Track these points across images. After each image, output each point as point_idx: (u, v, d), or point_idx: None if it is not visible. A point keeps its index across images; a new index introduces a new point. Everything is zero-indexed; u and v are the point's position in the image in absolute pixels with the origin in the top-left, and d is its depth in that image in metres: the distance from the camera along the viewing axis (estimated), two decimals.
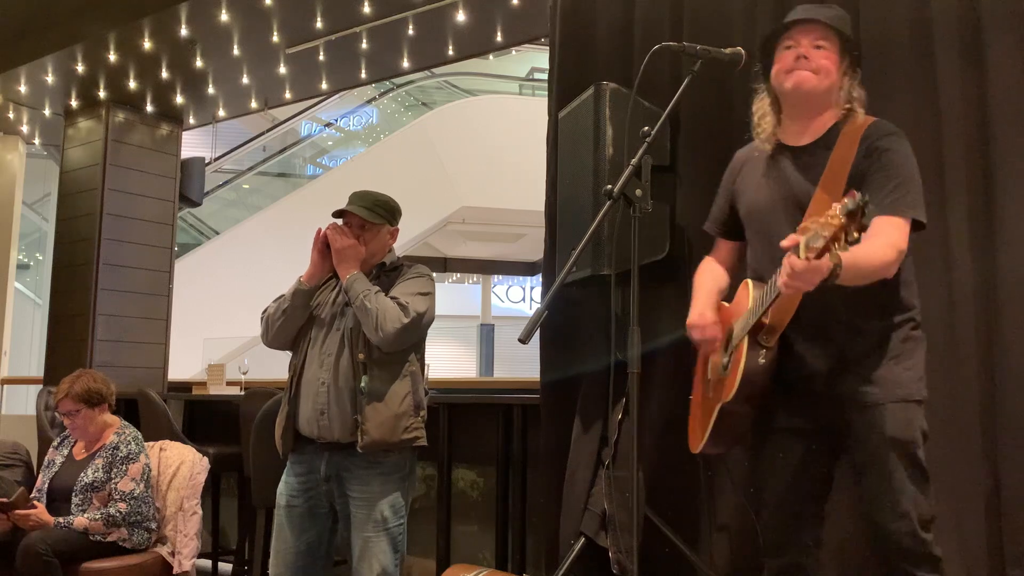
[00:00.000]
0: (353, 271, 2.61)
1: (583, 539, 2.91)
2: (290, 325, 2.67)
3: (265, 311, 2.73)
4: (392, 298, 2.57)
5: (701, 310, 2.17)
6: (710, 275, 2.30)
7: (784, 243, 1.79)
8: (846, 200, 1.57)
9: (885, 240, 1.88)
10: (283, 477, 2.70)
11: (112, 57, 5.27)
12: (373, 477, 2.58)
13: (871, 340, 1.98)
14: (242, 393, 4.81)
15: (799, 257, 1.69)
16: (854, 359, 1.97)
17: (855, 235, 1.60)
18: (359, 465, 2.57)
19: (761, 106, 2.18)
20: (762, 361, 1.95)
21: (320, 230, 2.68)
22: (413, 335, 2.60)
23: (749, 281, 2.08)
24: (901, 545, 1.91)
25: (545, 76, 4.07)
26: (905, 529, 1.90)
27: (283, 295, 2.70)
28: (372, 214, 2.67)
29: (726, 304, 2.22)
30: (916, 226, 1.96)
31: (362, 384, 2.52)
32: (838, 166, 1.98)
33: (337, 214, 2.71)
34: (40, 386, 5.70)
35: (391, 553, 2.58)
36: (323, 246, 2.66)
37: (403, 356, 2.61)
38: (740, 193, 2.22)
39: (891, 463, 1.92)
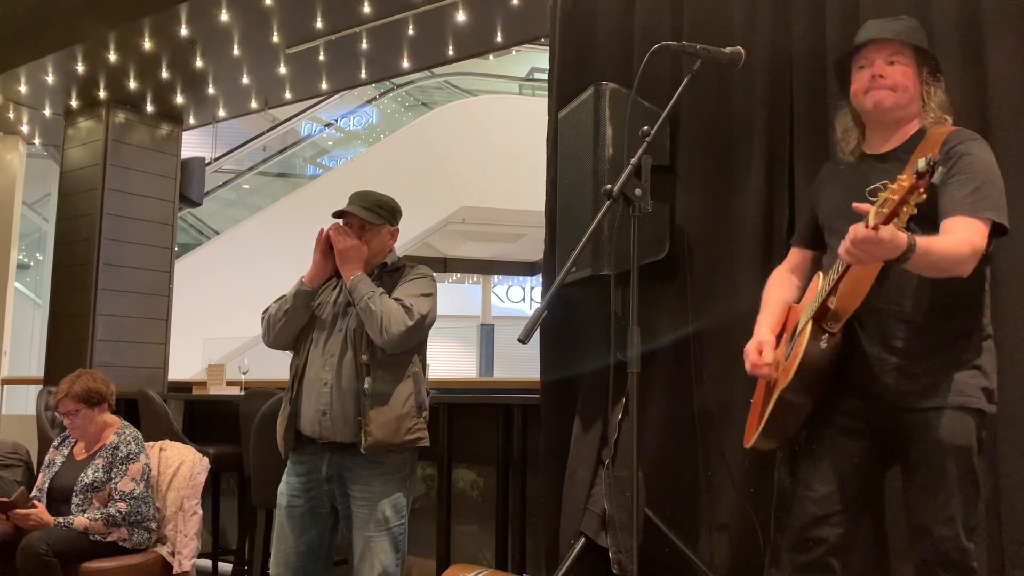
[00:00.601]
0: (356, 272, 2.61)
1: (583, 539, 2.91)
2: (292, 325, 2.67)
3: (266, 311, 2.73)
4: (396, 299, 2.57)
5: (761, 338, 2.13)
6: (779, 288, 2.26)
7: (856, 204, 1.77)
8: (919, 161, 1.58)
9: (961, 236, 1.86)
10: (284, 477, 2.70)
11: (112, 57, 5.27)
12: (375, 477, 2.58)
13: (934, 341, 1.95)
14: (242, 393, 4.81)
15: (868, 222, 1.69)
16: (915, 359, 1.95)
17: (923, 195, 1.61)
18: (361, 465, 2.57)
19: (844, 122, 2.19)
20: (823, 346, 1.92)
21: (322, 230, 2.68)
22: (417, 336, 2.61)
23: (821, 273, 2.06)
24: (942, 551, 1.89)
25: (545, 76, 4.07)
26: (949, 534, 1.88)
27: (284, 295, 2.70)
28: (372, 214, 2.67)
29: (796, 305, 2.20)
30: (998, 230, 1.94)
31: (366, 385, 2.52)
32: None
33: (337, 215, 2.71)
34: (40, 386, 5.70)
35: (392, 553, 2.59)
36: (326, 247, 2.66)
37: (406, 357, 2.62)
38: (821, 201, 2.22)
39: (944, 467, 1.89)
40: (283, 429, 2.64)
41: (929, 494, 1.91)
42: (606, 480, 2.89)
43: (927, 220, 1.89)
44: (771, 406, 2.02)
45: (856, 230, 1.72)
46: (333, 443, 2.58)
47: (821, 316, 1.94)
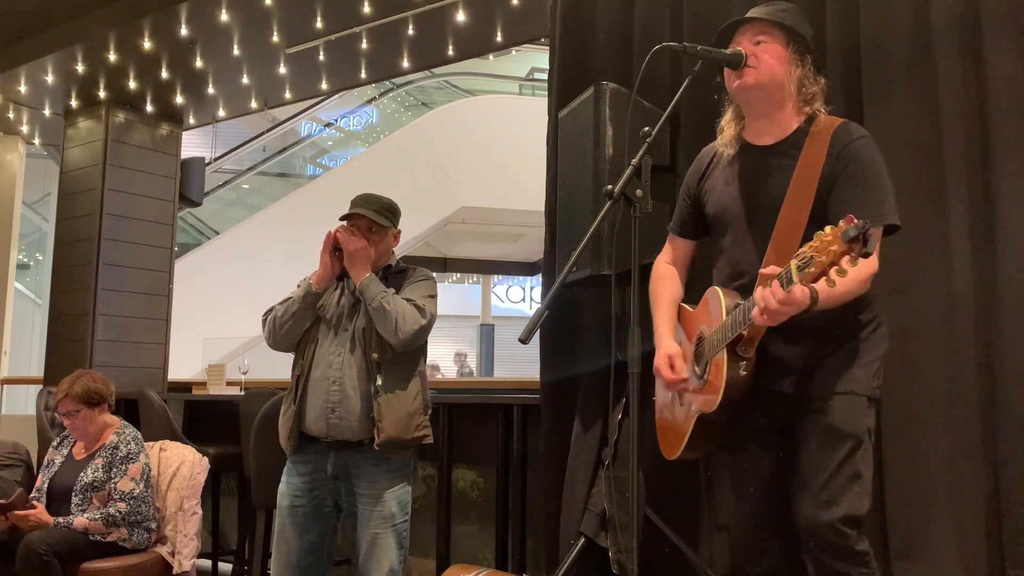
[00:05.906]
0: (366, 273, 2.65)
1: (583, 539, 2.91)
2: (298, 327, 2.69)
3: (269, 313, 2.73)
4: (407, 299, 2.62)
5: (669, 351, 2.14)
6: (667, 283, 2.26)
7: (765, 271, 1.78)
8: (844, 225, 1.54)
9: (862, 267, 1.81)
10: (284, 478, 2.70)
11: (112, 57, 5.27)
12: (381, 474, 2.62)
13: (837, 341, 1.97)
14: (242, 393, 4.81)
15: (793, 279, 1.67)
16: (811, 360, 1.97)
17: (855, 261, 1.57)
18: (367, 463, 2.61)
19: (727, 112, 2.18)
20: (743, 373, 1.94)
21: (330, 232, 2.70)
22: (426, 335, 2.66)
23: (719, 290, 2.04)
24: (819, 535, 1.88)
25: (545, 76, 4.07)
26: (827, 519, 1.87)
27: (290, 297, 2.70)
28: (381, 217, 2.72)
29: (689, 308, 2.19)
30: (890, 230, 1.96)
31: (378, 383, 2.57)
32: (808, 170, 1.96)
33: (345, 217, 2.73)
34: (40, 386, 5.70)
35: (397, 550, 2.63)
36: (334, 248, 2.69)
37: (413, 356, 2.68)
38: (708, 192, 2.20)
39: (827, 450, 1.90)
40: (287, 429, 2.65)
41: (809, 477, 1.91)
42: (606, 480, 2.89)
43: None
44: (691, 427, 2.03)
45: (768, 299, 1.72)
46: (338, 441, 2.60)
47: (735, 343, 1.94)
